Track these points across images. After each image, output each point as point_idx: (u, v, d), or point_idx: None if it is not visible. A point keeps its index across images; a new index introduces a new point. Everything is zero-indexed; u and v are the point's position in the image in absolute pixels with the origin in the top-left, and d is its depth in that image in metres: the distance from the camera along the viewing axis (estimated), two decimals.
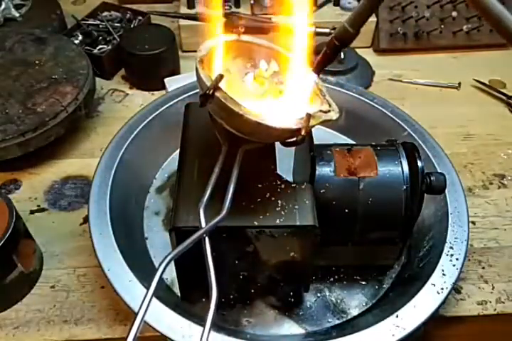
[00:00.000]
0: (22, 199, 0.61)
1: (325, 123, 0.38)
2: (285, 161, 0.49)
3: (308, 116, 0.36)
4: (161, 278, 0.34)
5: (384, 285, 0.53)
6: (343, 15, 0.83)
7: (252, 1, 0.81)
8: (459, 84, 0.79)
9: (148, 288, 0.33)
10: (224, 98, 0.35)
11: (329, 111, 0.38)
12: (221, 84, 0.35)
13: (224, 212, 0.37)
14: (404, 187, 0.46)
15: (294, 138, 0.37)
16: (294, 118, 0.36)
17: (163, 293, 0.48)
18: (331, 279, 0.53)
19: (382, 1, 0.33)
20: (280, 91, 0.41)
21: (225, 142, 0.41)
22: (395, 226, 0.47)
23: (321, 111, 0.38)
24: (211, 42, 0.39)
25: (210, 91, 0.34)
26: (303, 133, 0.35)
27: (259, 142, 0.41)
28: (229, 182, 0.38)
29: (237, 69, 0.42)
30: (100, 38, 0.79)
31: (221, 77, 0.35)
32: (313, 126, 0.37)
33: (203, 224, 0.37)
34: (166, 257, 0.34)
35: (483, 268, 0.56)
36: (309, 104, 0.40)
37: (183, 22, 0.81)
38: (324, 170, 0.46)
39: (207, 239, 0.37)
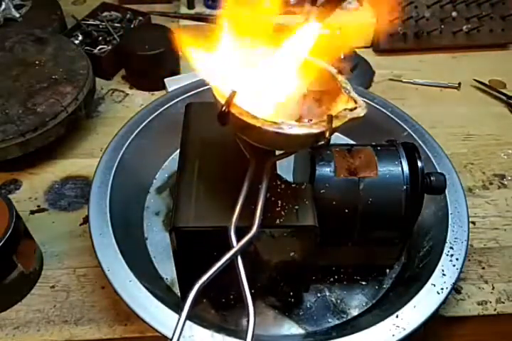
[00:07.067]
0: (22, 199, 0.61)
1: (353, 121, 0.36)
2: (285, 161, 0.49)
3: (330, 117, 0.35)
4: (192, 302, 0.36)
5: (384, 286, 0.53)
6: (343, 15, 0.82)
7: None
8: (459, 84, 0.79)
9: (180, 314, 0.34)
10: (239, 113, 0.35)
11: (355, 108, 0.36)
12: (236, 100, 0.35)
13: (254, 229, 0.37)
14: (404, 187, 0.46)
15: (322, 142, 0.35)
16: (314, 123, 0.36)
17: (163, 293, 0.48)
18: (331, 279, 0.53)
19: None
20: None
21: (252, 157, 0.40)
22: (395, 227, 0.47)
23: (345, 109, 0.36)
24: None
25: (225, 109, 0.34)
26: (327, 135, 0.34)
27: (285, 152, 0.40)
28: (258, 199, 0.38)
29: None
30: (100, 38, 0.79)
31: (234, 93, 0.35)
32: (340, 125, 0.35)
33: (234, 244, 0.37)
34: (196, 282, 0.35)
35: (483, 268, 0.56)
36: (333, 104, 0.39)
37: (183, 22, 0.81)
38: (324, 170, 0.46)
39: (239, 258, 0.37)
